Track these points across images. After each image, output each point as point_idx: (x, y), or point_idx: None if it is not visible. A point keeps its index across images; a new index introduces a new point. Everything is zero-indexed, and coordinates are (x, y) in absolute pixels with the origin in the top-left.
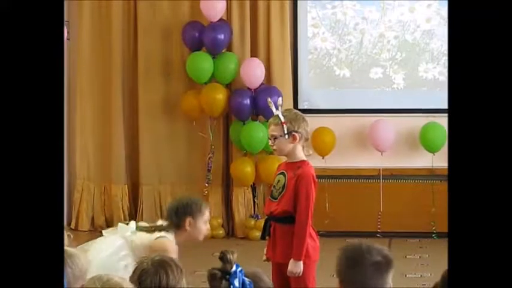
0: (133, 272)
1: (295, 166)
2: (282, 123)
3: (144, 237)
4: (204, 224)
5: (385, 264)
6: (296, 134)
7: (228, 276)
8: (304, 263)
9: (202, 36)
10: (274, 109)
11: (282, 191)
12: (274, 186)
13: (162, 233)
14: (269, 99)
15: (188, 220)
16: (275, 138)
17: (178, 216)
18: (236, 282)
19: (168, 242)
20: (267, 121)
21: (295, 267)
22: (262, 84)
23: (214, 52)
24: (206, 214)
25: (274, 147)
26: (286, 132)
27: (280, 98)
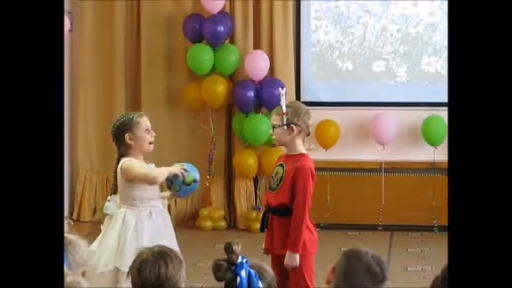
0: (133, 262)
1: (294, 159)
2: (282, 114)
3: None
4: (144, 132)
5: (381, 277)
6: (294, 127)
7: (233, 268)
8: (301, 255)
9: (202, 28)
10: (282, 99)
11: (279, 183)
12: (272, 177)
13: (123, 159)
14: (281, 90)
15: (127, 136)
16: (274, 127)
17: (119, 137)
18: (243, 273)
19: (128, 161)
20: (270, 113)
21: (291, 259)
22: (265, 76)
23: (215, 44)
24: (143, 123)
25: (274, 137)
26: (285, 123)
27: (285, 89)
